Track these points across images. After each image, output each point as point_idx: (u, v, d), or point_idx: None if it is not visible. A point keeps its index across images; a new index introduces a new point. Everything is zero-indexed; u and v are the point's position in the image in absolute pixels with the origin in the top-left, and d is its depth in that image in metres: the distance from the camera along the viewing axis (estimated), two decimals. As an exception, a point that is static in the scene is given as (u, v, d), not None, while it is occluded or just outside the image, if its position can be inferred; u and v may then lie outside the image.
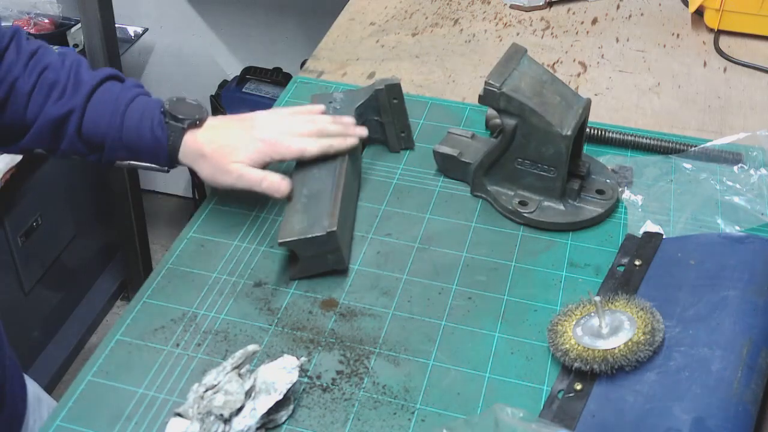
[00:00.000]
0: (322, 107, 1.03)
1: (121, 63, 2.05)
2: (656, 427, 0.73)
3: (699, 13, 1.40)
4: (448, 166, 1.06)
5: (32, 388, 1.08)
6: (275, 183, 0.93)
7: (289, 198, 0.94)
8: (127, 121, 0.95)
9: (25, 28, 2.11)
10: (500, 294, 0.91)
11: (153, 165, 0.98)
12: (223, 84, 2.37)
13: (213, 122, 0.97)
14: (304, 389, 0.81)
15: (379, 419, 0.78)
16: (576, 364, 0.79)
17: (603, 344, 0.80)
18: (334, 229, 0.88)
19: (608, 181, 1.02)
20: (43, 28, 2.13)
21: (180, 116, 0.94)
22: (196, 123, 0.95)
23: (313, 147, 0.96)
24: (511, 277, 0.93)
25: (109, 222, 2.22)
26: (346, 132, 1.00)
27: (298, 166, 0.99)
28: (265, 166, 0.95)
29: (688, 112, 1.21)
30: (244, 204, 1.02)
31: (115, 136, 0.95)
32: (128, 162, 0.99)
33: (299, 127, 0.98)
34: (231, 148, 0.94)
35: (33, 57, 0.96)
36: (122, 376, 0.82)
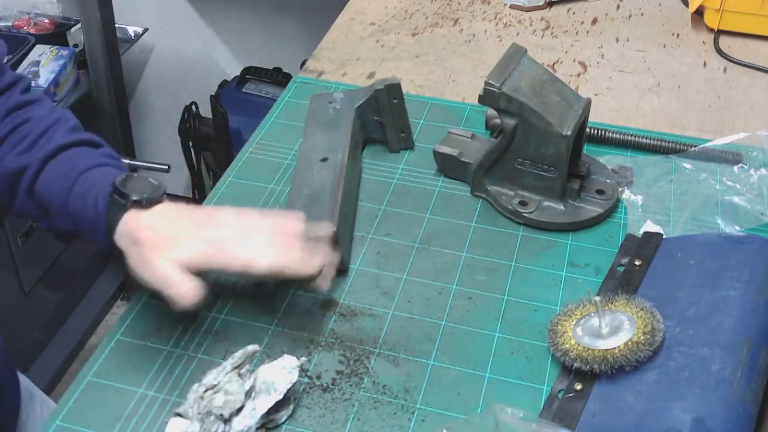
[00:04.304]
0: (299, 223, 0.82)
1: (121, 63, 2.05)
2: (656, 427, 0.73)
3: (699, 13, 1.40)
4: (448, 166, 1.06)
5: (24, 382, 1.08)
6: (182, 292, 0.76)
7: (194, 312, 0.79)
8: (76, 188, 0.84)
9: (24, 28, 2.12)
10: (500, 294, 0.91)
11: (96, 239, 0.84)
12: (223, 84, 2.36)
13: (165, 208, 0.81)
14: (304, 389, 0.81)
15: (379, 419, 0.78)
16: (576, 364, 0.79)
17: (603, 344, 0.80)
18: (334, 229, 0.88)
19: (608, 181, 1.02)
20: (43, 28, 2.13)
21: (126, 192, 0.79)
22: (143, 203, 0.80)
23: (263, 261, 0.78)
24: (511, 277, 0.93)
25: (109, 222, 2.22)
26: (314, 251, 0.81)
27: (297, 166, 0.99)
28: (202, 274, 0.78)
29: (687, 112, 1.21)
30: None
31: (61, 202, 0.84)
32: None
33: (260, 233, 0.80)
34: (171, 241, 0.77)
35: (22, 108, 0.89)
36: (122, 376, 0.82)
